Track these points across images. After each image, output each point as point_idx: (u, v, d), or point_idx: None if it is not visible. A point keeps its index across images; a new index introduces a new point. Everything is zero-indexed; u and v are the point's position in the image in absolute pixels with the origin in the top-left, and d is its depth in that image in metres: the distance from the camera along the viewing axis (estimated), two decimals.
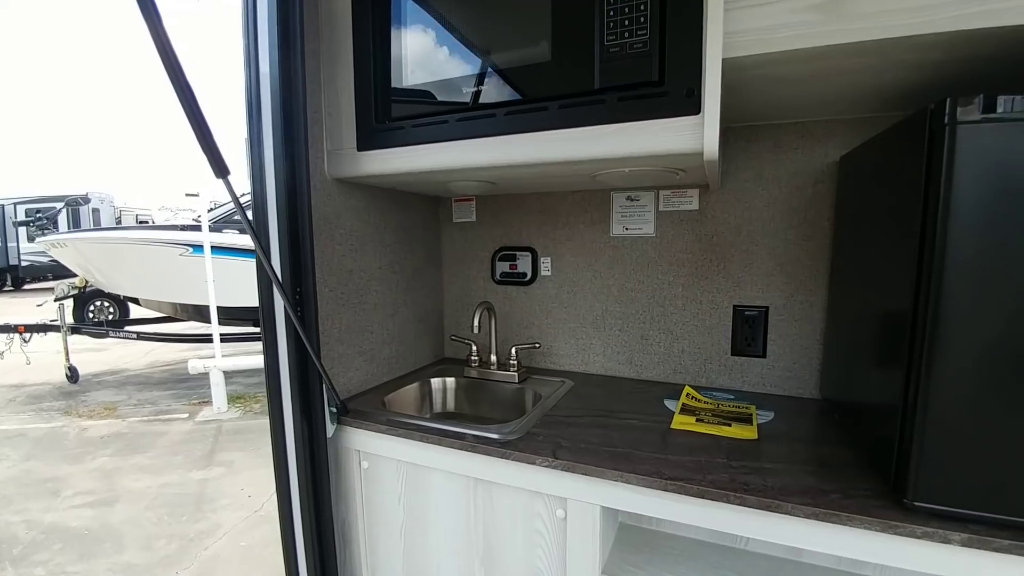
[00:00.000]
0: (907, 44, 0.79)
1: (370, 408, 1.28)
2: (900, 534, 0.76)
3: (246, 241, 4.65)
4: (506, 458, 1.03)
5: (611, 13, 0.92)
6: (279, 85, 1.02)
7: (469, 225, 1.66)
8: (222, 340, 4.33)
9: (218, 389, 4.19)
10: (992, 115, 0.68)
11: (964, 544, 0.74)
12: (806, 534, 0.83)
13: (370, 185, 1.37)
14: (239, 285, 4.64)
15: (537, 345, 1.50)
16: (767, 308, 1.31)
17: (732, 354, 1.36)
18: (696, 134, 0.89)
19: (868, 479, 0.89)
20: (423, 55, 1.14)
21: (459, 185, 1.37)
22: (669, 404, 1.26)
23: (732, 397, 1.30)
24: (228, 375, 4.32)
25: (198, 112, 0.88)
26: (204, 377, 4.25)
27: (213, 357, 4.16)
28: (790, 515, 0.83)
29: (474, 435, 1.10)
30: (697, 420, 1.15)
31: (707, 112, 0.87)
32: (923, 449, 0.76)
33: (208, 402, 4.34)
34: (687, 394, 1.29)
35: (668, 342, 1.42)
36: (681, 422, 1.14)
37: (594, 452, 1.01)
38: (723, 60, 0.86)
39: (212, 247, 4.21)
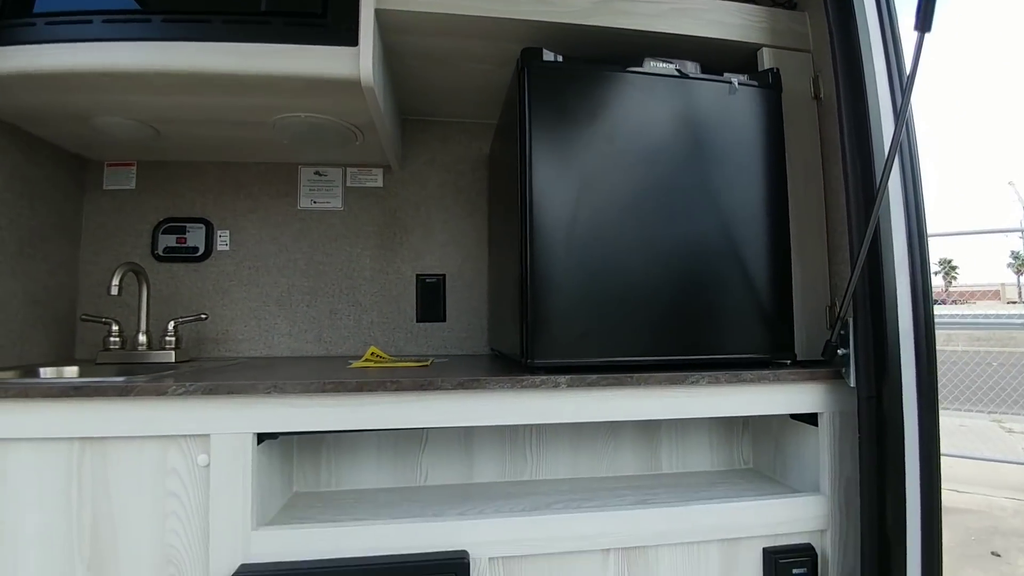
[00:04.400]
0: (505, 26, 1.08)
1: None
2: (525, 387, 0.90)
3: None
4: (127, 395, 0.83)
5: None
6: None
7: (126, 194, 1.40)
8: None
9: None
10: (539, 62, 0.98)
11: (569, 386, 0.91)
12: (456, 408, 0.90)
13: None
14: None
15: (204, 316, 1.30)
16: (444, 275, 1.46)
17: (417, 321, 1.44)
18: (353, 62, 0.99)
19: (512, 370, 1.03)
20: None
21: (109, 124, 1.17)
22: (353, 363, 1.24)
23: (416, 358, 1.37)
24: None
25: None
26: None
27: None
28: (442, 390, 0.89)
29: (82, 382, 0.87)
30: (377, 360, 1.16)
31: (363, 45, 0.99)
32: (535, 327, 0.94)
33: None
34: (372, 352, 1.29)
35: (357, 314, 1.43)
36: (359, 364, 1.13)
37: (246, 378, 0.91)
38: (375, 9, 1.01)
39: None
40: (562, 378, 0.90)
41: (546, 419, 0.91)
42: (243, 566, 0.84)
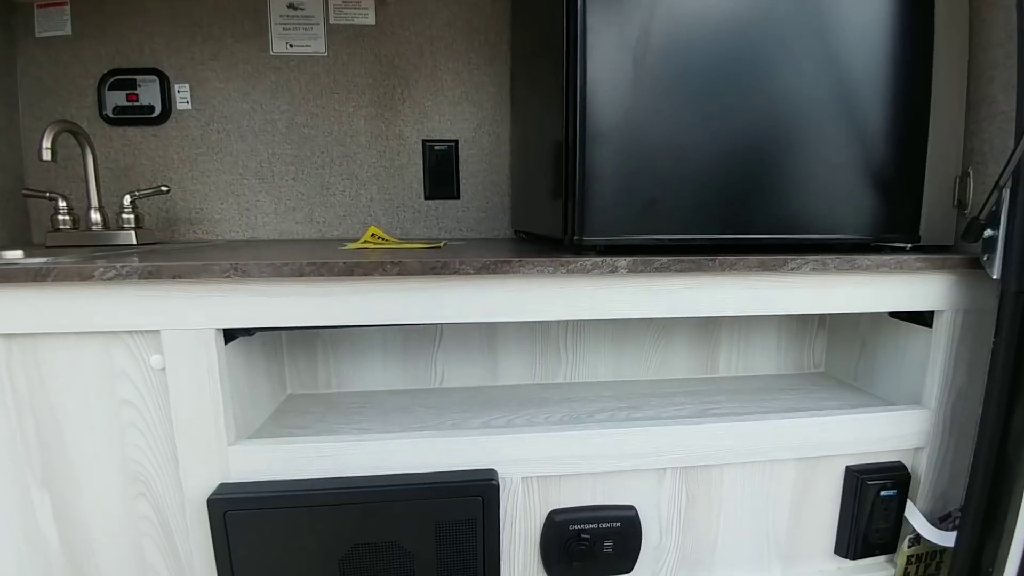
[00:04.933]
0: None
1: None
2: (573, 271, 0.67)
3: None
4: (43, 281, 0.63)
5: None
6: None
7: (62, 41, 1.11)
8: None
9: None
10: None
11: (630, 271, 0.68)
12: (480, 298, 0.68)
13: None
14: None
15: (165, 188, 1.07)
16: (457, 141, 1.18)
17: (426, 198, 1.20)
18: None
19: (551, 252, 0.80)
20: None
21: None
22: (349, 244, 1.02)
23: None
24: None
25: None
26: None
27: None
28: (461, 275, 0.67)
29: None
30: (378, 242, 0.94)
31: None
32: (585, 194, 0.69)
33: None
34: (372, 233, 1.07)
35: (354, 189, 1.18)
36: (356, 245, 0.91)
37: (203, 257, 0.69)
38: None
39: None
40: (621, 260, 0.67)
41: (599, 313, 0.70)
42: (222, 485, 0.69)
